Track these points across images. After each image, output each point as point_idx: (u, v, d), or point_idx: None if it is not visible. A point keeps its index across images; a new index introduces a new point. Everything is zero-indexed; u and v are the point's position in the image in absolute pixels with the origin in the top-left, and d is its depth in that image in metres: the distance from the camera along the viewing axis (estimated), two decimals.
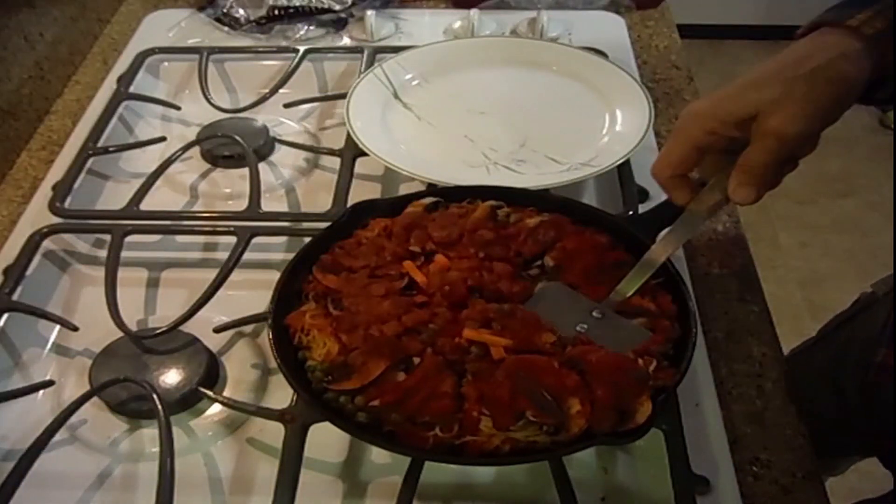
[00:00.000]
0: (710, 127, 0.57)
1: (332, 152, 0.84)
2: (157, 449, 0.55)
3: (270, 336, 0.58)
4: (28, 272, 0.70)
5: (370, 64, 0.94)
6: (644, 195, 0.79)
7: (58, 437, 0.57)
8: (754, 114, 0.54)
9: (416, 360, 0.56)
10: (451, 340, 0.57)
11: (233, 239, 0.71)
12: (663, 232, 0.63)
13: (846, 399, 0.88)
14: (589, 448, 0.55)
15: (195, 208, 0.82)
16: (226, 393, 0.64)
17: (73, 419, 0.58)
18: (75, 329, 0.68)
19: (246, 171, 0.80)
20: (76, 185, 0.80)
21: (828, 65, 0.53)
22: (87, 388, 0.62)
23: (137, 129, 0.94)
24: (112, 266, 0.69)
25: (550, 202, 0.69)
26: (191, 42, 1.04)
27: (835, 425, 0.91)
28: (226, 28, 1.06)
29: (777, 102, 0.53)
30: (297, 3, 1.05)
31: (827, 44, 0.55)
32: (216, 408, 0.63)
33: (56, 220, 0.76)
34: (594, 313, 0.59)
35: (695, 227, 0.61)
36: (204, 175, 0.87)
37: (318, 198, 0.80)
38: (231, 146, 0.85)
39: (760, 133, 0.54)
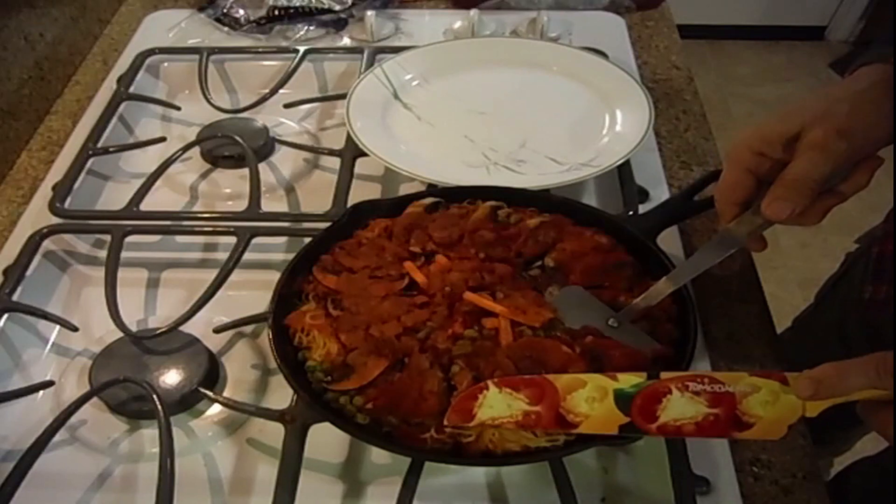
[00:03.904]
0: (758, 147, 0.57)
1: (332, 152, 0.84)
2: (157, 449, 0.55)
3: (270, 336, 0.58)
4: (28, 272, 0.70)
5: (370, 64, 0.94)
6: (644, 195, 0.79)
7: (58, 437, 0.57)
8: (799, 131, 0.54)
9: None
10: (444, 332, 0.57)
11: (233, 239, 0.71)
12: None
13: (854, 349, 0.89)
14: (589, 448, 0.55)
15: (195, 208, 0.82)
16: (226, 393, 0.64)
17: (73, 419, 0.58)
18: (75, 329, 0.68)
19: (246, 171, 0.80)
20: (76, 186, 0.80)
21: (871, 87, 0.54)
22: (87, 388, 0.62)
23: (137, 129, 0.94)
24: (112, 266, 0.69)
25: (551, 203, 0.69)
26: (191, 42, 1.04)
27: None
28: (226, 28, 1.06)
29: (821, 118, 0.54)
30: (297, 4, 1.05)
31: (871, 73, 0.55)
32: (216, 408, 0.63)
33: (56, 220, 0.76)
34: (610, 321, 0.58)
35: (729, 248, 0.59)
36: (204, 175, 0.87)
37: (318, 198, 0.79)
38: (231, 146, 0.85)
39: (804, 146, 0.54)
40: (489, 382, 0.52)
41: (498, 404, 0.51)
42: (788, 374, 0.48)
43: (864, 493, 0.98)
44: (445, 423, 0.52)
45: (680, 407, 0.49)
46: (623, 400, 0.50)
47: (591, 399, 0.50)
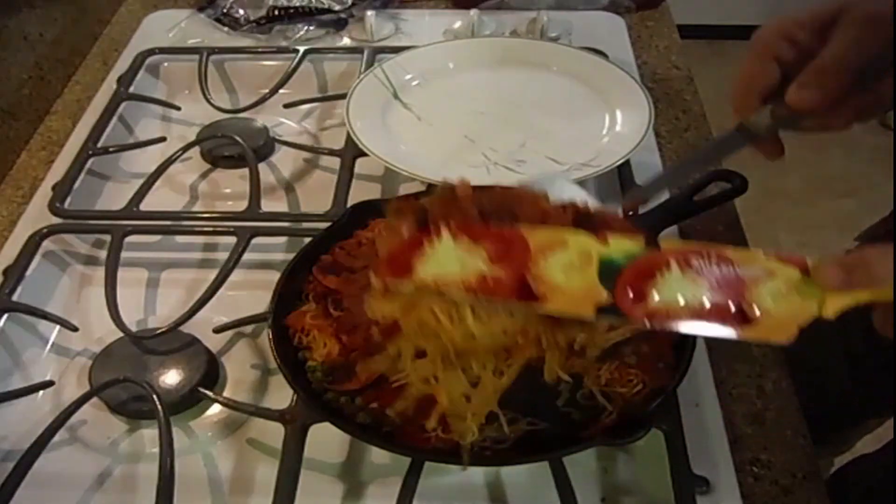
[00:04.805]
0: (788, 31, 0.51)
1: (332, 152, 0.84)
2: (157, 449, 0.55)
3: (270, 336, 0.58)
4: (28, 272, 0.70)
5: (370, 64, 0.94)
6: None
7: (58, 437, 0.57)
8: (836, 13, 0.49)
9: None
10: None
11: (233, 239, 0.71)
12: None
13: (856, 352, 0.88)
14: (589, 448, 0.55)
15: (195, 208, 0.82)
16: (226, 393, 0.64)
17: (73, 419, 0.58)
18: (75, 329, 0.68)
19: (246, 171, 0.80)
20: (76, 186, 0.80)
21: None
22: (87, 388, 0.62)
23: (137, 129, 0.94)
24: (112, 266, 0.69)
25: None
26: (191, 42, 1.04)
27: (848, 387, 0.91)
28: (226, 28, 1.06)
29: None
30: (297, 4, 1.05)
31: None
32: (216, 408, 0.63)
33: (56, 220, 0.76)
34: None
35: (744, 142, 0.53)
36: (204, 175, 0.87)
37: (318, 198, 0.79)
38: (231, 146, 0.85)
39: (841, 27, 0.48)
40: (443, 227, 0.41)
41: (448, 259, 0.40)
42: (811, 260, 0.40)
43: (863, 491, 0.98)
44: (373, 277, 0.42)
45: (676, 288, 0.40)
46: (609, 272, 0.40)
47: (569, 266, 0.40)
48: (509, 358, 0.45)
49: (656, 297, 0.39)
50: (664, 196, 0.79)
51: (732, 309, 0.39)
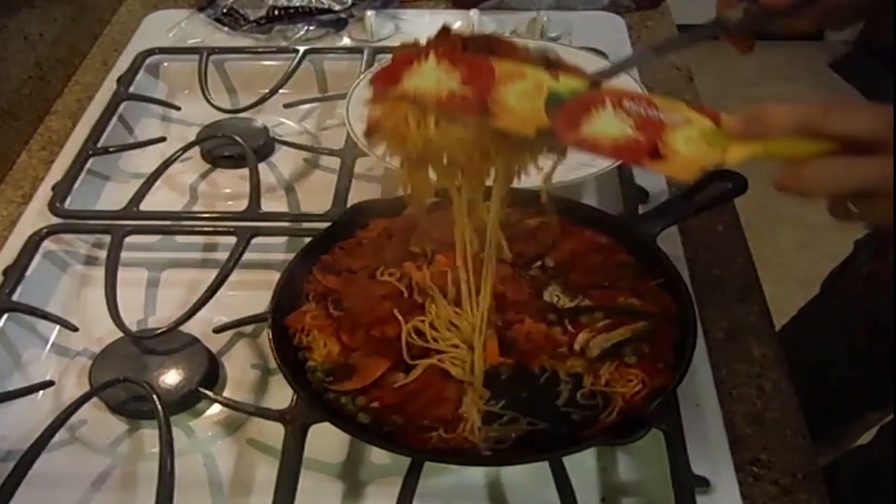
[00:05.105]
0: None
1: (332, 152, 0.84)
2: (157, 449, 0.55)
3: (270, 336, 0.58)
4: (28, 272, 0.70)
5: (370, 64, 0.94)
6: (644, 195, 0.79)
7: (58, 437, 0.57)
8: None
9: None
10: None
11: (233, 239, 0.71)
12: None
13: (857, 347, 0.89)
14: (589, 448, 0.55)
15: (195, 208, 0.82)
16: (226, 393, 0.64)
17: (73, 419, 0.58)
18: (75, 329, 0.68)
19: (246, 171, 0.80)
20: (76, 186, 0.80)
21: None
22: (87, 388, 0.62)
23: (137, 129, 0.94)
24: (112, 266, 0.69)
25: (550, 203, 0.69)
26: (191, 42, 1.04)
27: (849, 381, 0.92)
28: (226, 28, 1.06)
29: None
30: (297, 4, 1.05)
31: None
32: (216, 408, 0.63)
33: (56, 220, 0.76)
34: None
35: (717, 31, 0.57)
36: (204, 175, 0.87)
37: (318, 198, 0.79)
38: (231, 146, 0.85)
39: None
40: (431, 52, 0.48)
41: (429, 76, 0.48)
42: (724, 114, 0.46)
43: (859, 482, 0.99)
44: (368, 84, 0.49)
45: (606, 123, 0.46)
46: (554, 103, 0.46)
47: (523, 94, 0.47)
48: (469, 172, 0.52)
49: (587, 128, 0.46)
50: (664, 197, 0.79)
51: (648, 146, 0.45)
